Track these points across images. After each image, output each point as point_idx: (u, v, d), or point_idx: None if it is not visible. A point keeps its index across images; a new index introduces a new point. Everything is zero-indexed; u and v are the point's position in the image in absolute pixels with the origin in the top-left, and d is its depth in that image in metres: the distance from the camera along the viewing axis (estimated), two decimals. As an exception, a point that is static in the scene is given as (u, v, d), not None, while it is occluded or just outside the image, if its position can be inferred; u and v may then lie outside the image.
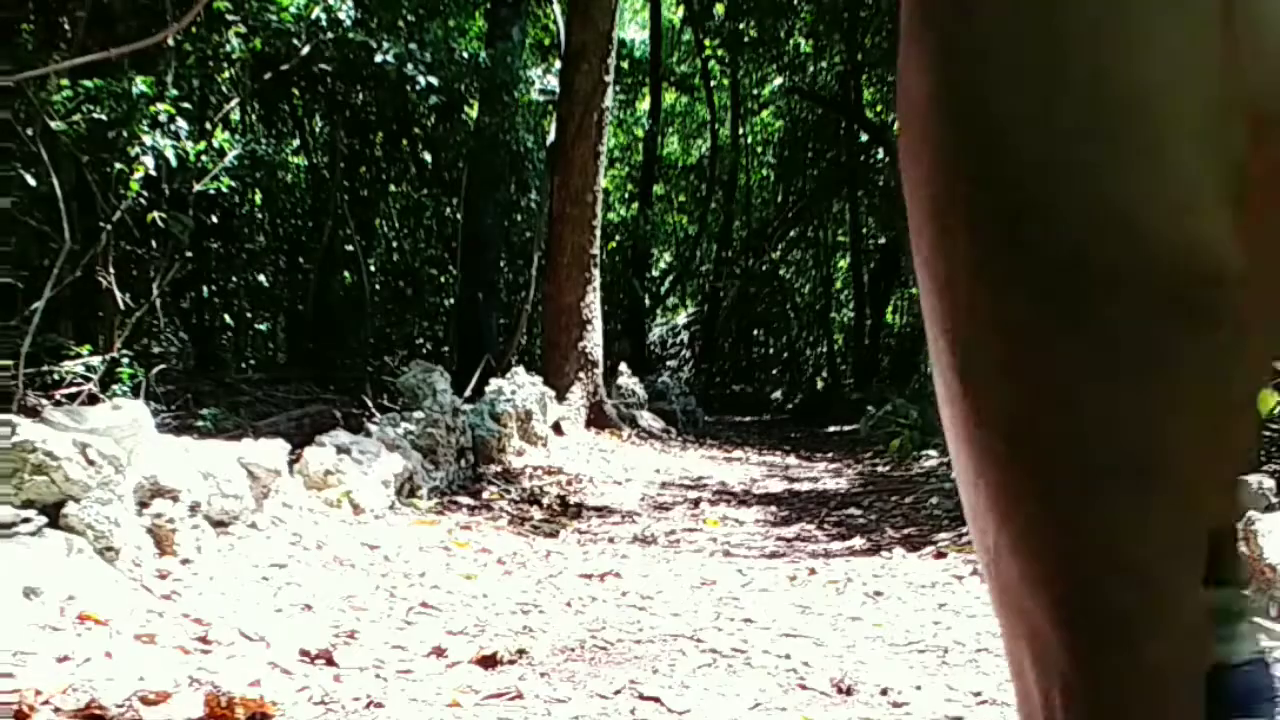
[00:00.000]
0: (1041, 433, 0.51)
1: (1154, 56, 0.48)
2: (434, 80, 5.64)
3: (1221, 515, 0.55)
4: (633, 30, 11.81)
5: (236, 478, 2.35)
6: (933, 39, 0.52)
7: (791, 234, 10.96)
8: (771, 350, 11.13)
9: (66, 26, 4.27)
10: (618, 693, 1.52)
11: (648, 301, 11.41)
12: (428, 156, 7.05)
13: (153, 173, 3.99)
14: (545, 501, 3.68)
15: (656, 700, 1.48)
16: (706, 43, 10.91)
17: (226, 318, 6.40)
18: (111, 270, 4.13)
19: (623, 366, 6.71)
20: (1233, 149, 0.49)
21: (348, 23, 5.10)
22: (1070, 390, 0.50)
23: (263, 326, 6.82)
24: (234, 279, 6.21)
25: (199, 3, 3.63)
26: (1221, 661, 0.55)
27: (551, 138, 6.35)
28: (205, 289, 6.12)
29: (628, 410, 6.12)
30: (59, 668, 1.40)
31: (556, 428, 4.96)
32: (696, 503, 3.85)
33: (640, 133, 10.89)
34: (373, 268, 6.84)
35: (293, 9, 4.87)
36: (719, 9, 10.51)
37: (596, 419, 5.60)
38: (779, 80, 11.25)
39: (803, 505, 3.89)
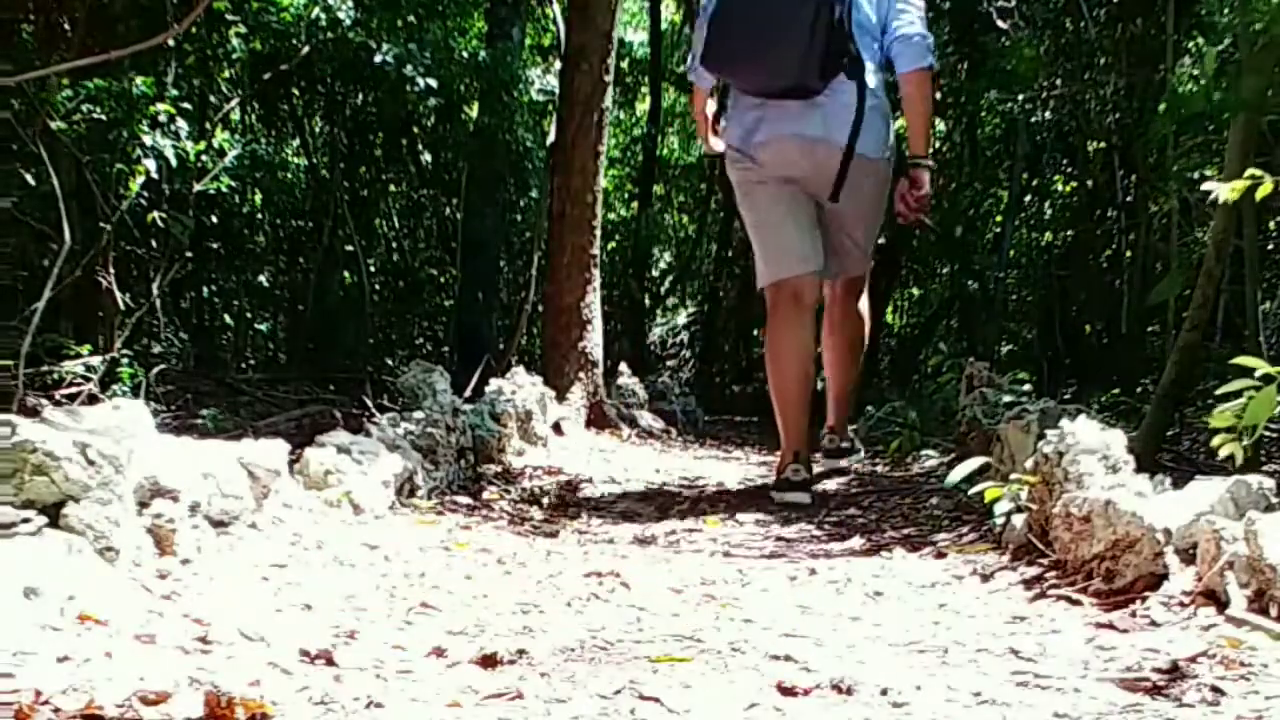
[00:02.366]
0: None
1: None
2: (433, 81, 5.64)
3: None
4: (632, 30, 11.80)
5: (236, 478, 2.35)
6: None
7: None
8: (771, 350, 11.12)
9: (66, 27, 4.27)
10: (618, 693, 1.52)
11: (648, 301, 11.40)
12: (428, 156, 7.05)
13: (153, 174, 3.99)
14: (545, 501, 3.68)
15: (656, 700, 1.48)
16: (706, 43, 10.89)
17: (226, 318, 6.40)
18: (111, 270, 4.13)
19: (623, 366, 6.71)
20: None
21: (347, 23, 5.10)
22: None
23: (263, 326, 6.82)
24: (234, 279, 6.21)
25: (200, 4, 3.64)
26: None
27: (551, 138, 6.35)
28: (205, 289, 6.12)
29: (628, 410, 6.12)
30: (59, 668, 1.40)
31: (556, 428, 4.96)
32: (696, 502, 3.85)
33: (639, 133, 10.87)
34: (373, 268, 6.84)
35: (293, 9, 4.87)
36: (719, 9, 10.48)
37: (596, 419, 5.60)
38: (779, 80, 11.22)
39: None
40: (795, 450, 3.49)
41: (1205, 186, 2.39)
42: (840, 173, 3.26)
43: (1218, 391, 2.12)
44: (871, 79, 3.27)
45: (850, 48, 3.18)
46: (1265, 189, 2.20)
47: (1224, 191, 2.26)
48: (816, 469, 3.73)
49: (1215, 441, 2.12)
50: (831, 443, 4.08)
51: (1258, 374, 1.98)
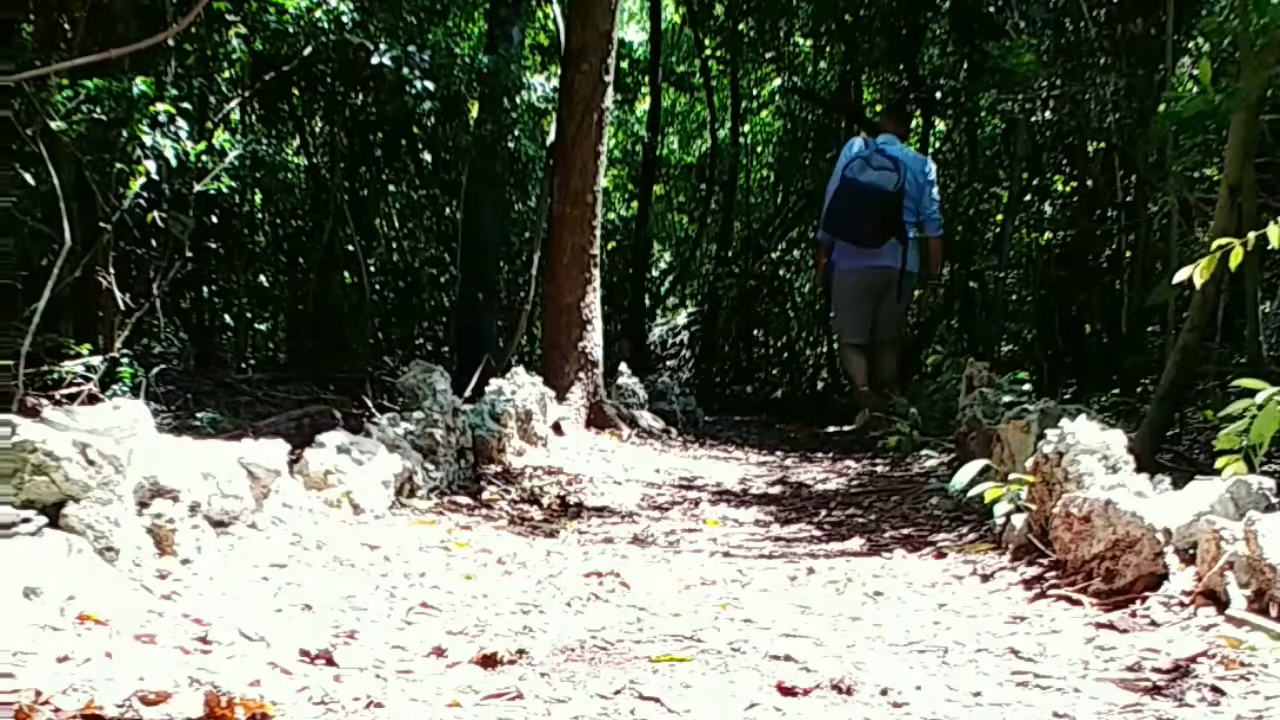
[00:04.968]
0: None
1: None
2: (430, 85, 5.63)
3: None
4: (632, 31, 11.80)
5: (236, 478, 2.35)
6: None
7: (791, 234, 10.93)
8: (771, 350, 11.10)
9: (66, 26, 4.26)
10: (618, 693, 1.52)
11: (648, 301, 11.38)
12: (428, 157, 7.05)
13: (153, 175, 3.98)
14: (545, 501, 3.68)
15: (656, 700, 1.49)
16: (706, 42, 10.90)
17: (226, 318, 6.39)
18: (111, 270, 4.13)
19: (623, 366, 6.70)
20: None
21: (349, 24, 5.09)
22: None
23: (263, 326, 6.81)
24: (234, 279, 6.20)
25: (199, 3, 3.63)
26: None
27: (551, 138, 6.34)
28: (205, 289, 6.11)
29: (628, 410, 6.12)
30: (59, 668, 1.40)
31: (556, 428, 4.96)
32: (696, 503, 3.85)
33: (639, 133, 10.86)
34: (373, 268, 6.84)
35: (292, 10, 4.86)
36: (719, 9, 10.50)
37: (596, 419, 5.60)
38: (779, 80, 11.24)
39: (802, 505, 3.89)
40: (861, 410, 6.18)
41: (1179, 276, 2.33)
42: (898, 280, 6.03)
43: (1221, 414, 2.12)
44: (910, 231, 6.01)
45: (899, 227, 5.93)
46: (1236, 257, 2.21)
47: (1196, 277, 2.25)
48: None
49: (1220, 463, 2.13)
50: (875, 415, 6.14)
51: (1260, 397, 1.99)
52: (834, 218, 5.97)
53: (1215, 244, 2.22)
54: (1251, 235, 2.17)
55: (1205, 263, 2.22)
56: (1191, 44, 5.27)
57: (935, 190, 6.15)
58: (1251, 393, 2.02)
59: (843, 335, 6.40)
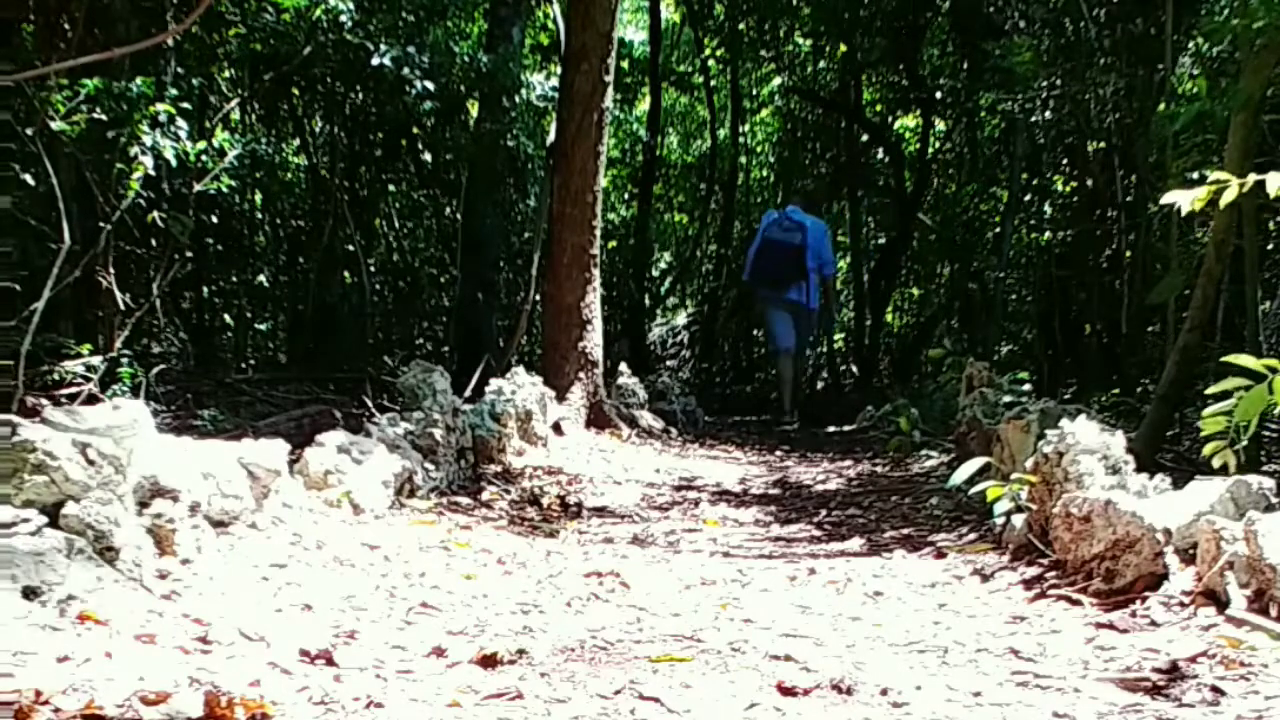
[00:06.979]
0: None
1: None
2: (430, 85, 5.63)
3: None
4: (632, 31, 11.80)
5: (236, 478, 2.35)
6: None
7: (791, 234, 10.93)
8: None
9: (66, 26, 4.26)
10: (618, 693, 1.52)
11: (648, 301, 11.38)
12: (428, 157, 7.04)
13: (152, 173, 3.98)
14: (545, 501, 3.68)
15: (656, 700, 1.49)
16: (706, 42, 10.90)
17: (226, 318, 6.39)
18: (111, 270, 4.13)
19: (623, 366, 6.71)
20: None
21: (348, 24, 5.08)
22: None
23: (263, 326, 6.81)
24: (234, 279, 6.20)
25: (202, 4, 3.63)
26: None
27: (551, 138, 6.34)
28: (205, 289, 6.11)
29: (628, 410, 6.12)
30: (59, 668, 1.40)
31: (556, 428, 4.96)
32: (696, 503, 3.85)
33: (640, 132, 10.86)
34: (373, 268, 6.84)
35: (293, 9, 4.86)
36: (719, 9, 10.50)
37: (596, 419, 5.59)
38: (779, 80, 11.24)
39: (802, 505, 3.89)
40: (787, 408, 7.89)
41: (1165, 199, 2.26)
42: (802, 311, 7.74)
43: (1208, 392, 2.06)
44: (812, 277, 7.69)
45: (804, 272, 7.60)
46: (1230, 195, 2.14)
47: (1185, 201, 2.19)
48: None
49: (1207, 450, 2.08)
50: (787, 420, 7.78)
51: (1247, 364, 1.94)
52: (758, 266, 7.88)
53: (1212, 177, 2.15)
54: (1252, 176, 2.08)
55: (1204, 192, 2.14)
56: (1191, 44, 5.27)
57: (829, 242, 8.15)
58: (1242, 370, 1.96)
59: (777, 344, 8.10)
